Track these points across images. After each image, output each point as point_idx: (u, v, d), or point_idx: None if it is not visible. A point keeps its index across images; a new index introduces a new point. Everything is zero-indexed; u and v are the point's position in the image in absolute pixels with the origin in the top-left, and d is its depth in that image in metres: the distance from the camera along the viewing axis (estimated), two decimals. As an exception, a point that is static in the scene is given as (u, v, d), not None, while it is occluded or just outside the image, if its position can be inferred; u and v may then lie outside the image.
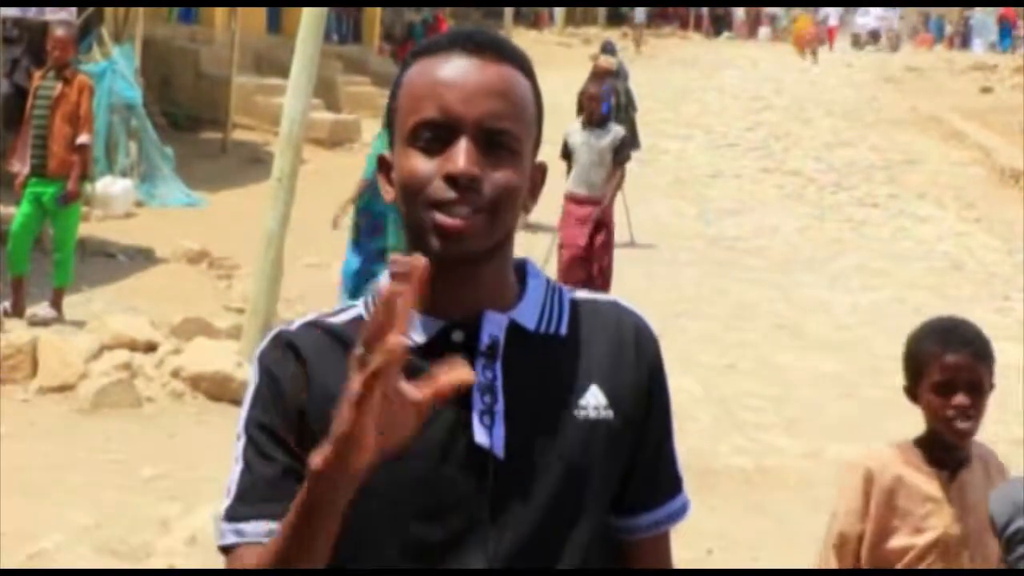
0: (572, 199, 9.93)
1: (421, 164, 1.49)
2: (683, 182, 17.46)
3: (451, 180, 1.47)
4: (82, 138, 8.53)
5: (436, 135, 1.49)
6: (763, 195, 17.02)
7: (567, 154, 10.00)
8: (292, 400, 1.53)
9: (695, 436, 7.12)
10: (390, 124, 1.57)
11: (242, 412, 1.58)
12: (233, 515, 1.53)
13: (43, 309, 8.48)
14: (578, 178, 9.89)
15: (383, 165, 1.59)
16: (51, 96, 8.57)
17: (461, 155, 1.47)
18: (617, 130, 10.10)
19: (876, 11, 43.95)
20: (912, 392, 2.99)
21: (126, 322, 7.95)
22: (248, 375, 1.61)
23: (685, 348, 8.91)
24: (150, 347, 7.73)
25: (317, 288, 10.02)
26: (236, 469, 1.55)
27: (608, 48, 21.95)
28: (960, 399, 2.87)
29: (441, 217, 1.47)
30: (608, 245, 9.97)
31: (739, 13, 45.99)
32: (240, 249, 10.52)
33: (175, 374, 7.47)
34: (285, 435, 1.53)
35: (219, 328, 8.21)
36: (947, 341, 2.93)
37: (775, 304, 11.20)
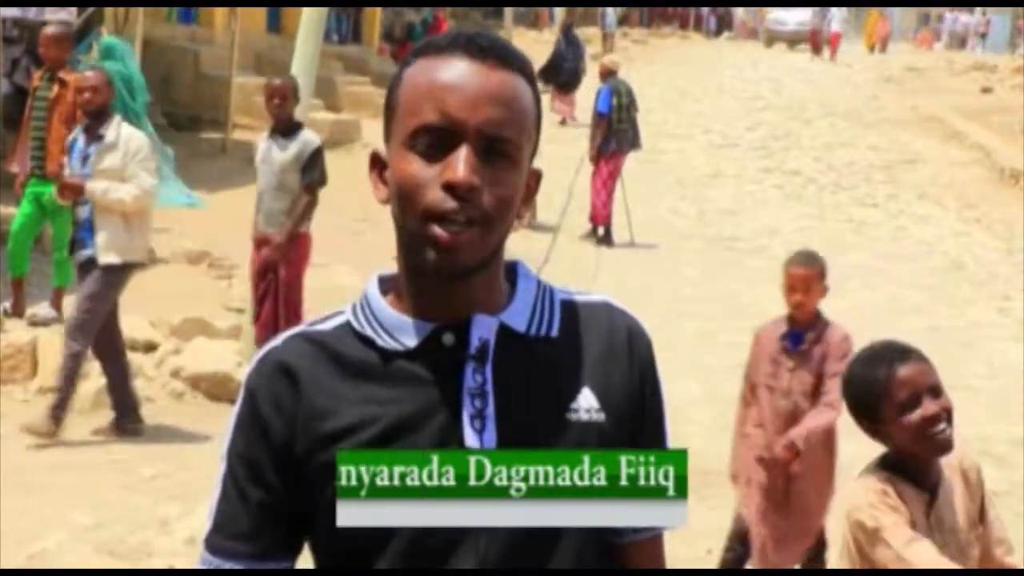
0: (255, 240, 7.38)
1: (419, 169, 1.47)
2: (683, 182, 17.46)
3: (450, 189, 1.45)
4: None
5: (436, 140, 1.47)
6: (763, 195, 17.01)
7: None
8: (276, 434, 1.53)
9: (695, 436, 7.12)
10: (387, 121, 1.55)
11: (227, 434, 1.58)
12: (209, 545, 1.58)
13: (43, 309, 8.48)
14: (257, 208, 7.32)
15: (375, 163, 1.58)
16: (48, 98, 8.60)
17: (461, 163, 1.45)
18: (308, 139, 7.30)
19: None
20: (875, 429, 2.90)
21: (126, 322, 7.94)
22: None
23: (685, 348, 8.91)
24: (150, 347, 7.74)
25: (317, 288, 10.01)
26: (216, 494, 1.57)
27: (565, 29, 22.09)
28: (929, 407, 2.80)
29: (437, 230, 1.45)
30: (277, 297, 7.29)
31: (739, 13, 45.98)
32: (240, 249, 10.50)
33: (175, 374, 7.47)
34: (265, 469, 1.54)
35: (219, 328, 8.22)
36: (891, 359, 2.88)
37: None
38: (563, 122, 20.31)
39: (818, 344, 4.95)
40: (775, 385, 5.00)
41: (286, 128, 7.22)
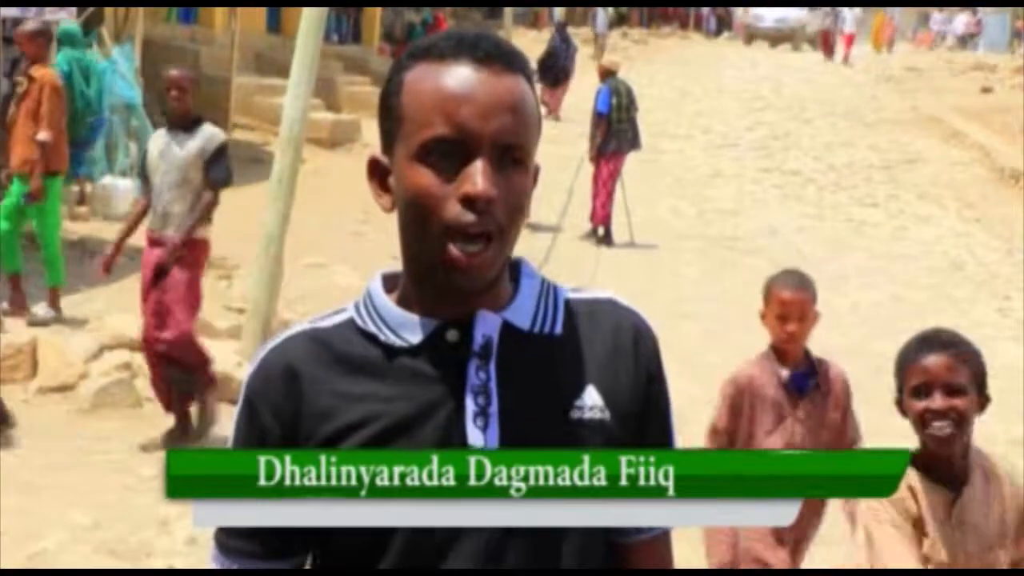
0: (149, 239, 6.72)
1: (433, 183, 1.46)
2: (683, 182, 17.46)
3: (468, 202, 1.44)
4: (40, 135, 8.49)
5: (449, 152, 1.46)
6: (763, 195, 17.02)
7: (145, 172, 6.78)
8: (275, 440, 1.52)
9: (695, 437, 7.11)
10: (387, 127, 1.53)
11: (230, 434, 1.58)
12: (218, 542, 1.59)
13: (42, 309, 8.48)
14: (153, 206, 6.71)
15: (375, 170, 1.56)
16: (20, 94, 8.64)
17: (479, 177, 1.44)
18: (212, 133, 6.72)
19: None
20: (900, 404, 2.96)
21: (126, 322, 7.95)
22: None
23: (685, 348, 8.90)
24: (150, 347, 7.73)
25: (317, 288, 10.02)
26: None
27: (559, 27, 22.20)
28: (936, 401, 2.84)
29: (456, 252, 1.45)
30: (178, 299, 6.58)
31: (739, 13, 45.91)
32: (240, 249, 10.51)
33: (175, 374, 7.47)
34: None
35: (219, 328, 8.22)
36: (925, 345, 2.92)
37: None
38: (548, 114, 20.56)
39: (826, 385, 4.14)
40: (780, 441, 4.12)
41: (186, 122, 6.65)
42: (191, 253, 6.63)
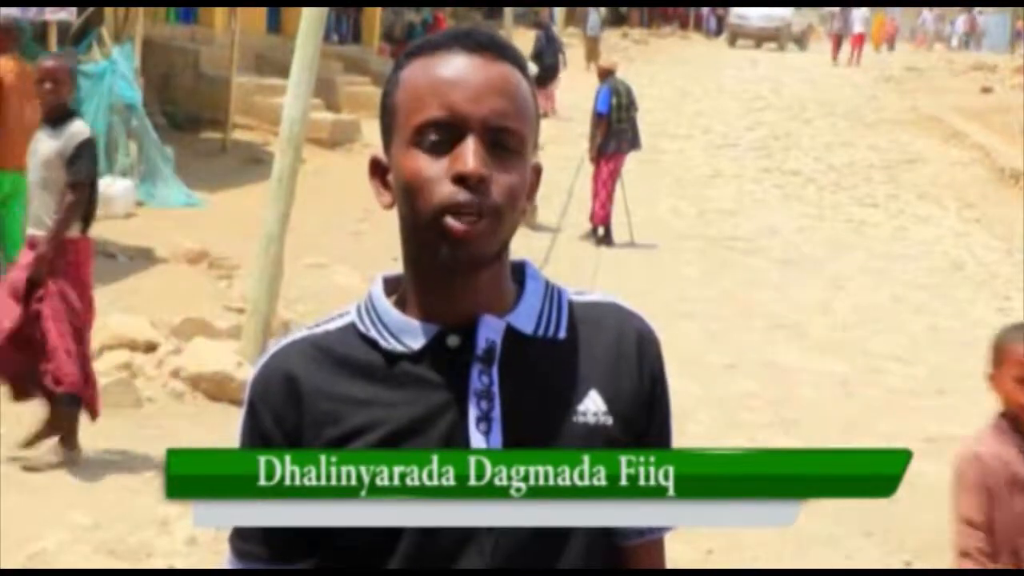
0: (27, 242, 6.33)
1: (427, 165, 1.46)
2: (683, 182, 17.46)
3: (460, 181, 1.44)
4: None
5: (442, 135, 1.46)
6: (763, 195, 17.02)
7: None
8: (279, 445, 1.52)
9: (695, 437, 7.12)
10: (386, 123, 1.54)
11: (237, 435, 1.59)
12: (233, 546, 1.59)
13: None
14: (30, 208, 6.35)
15: (376, 169, 1.56)
16: None
17: (470, 155, 1.44)
18: (75, 131, 6.13)
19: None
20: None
21: (126, 322, 7.95)
22: (247, 376, 1.61)
23: (685, 348, 8.90)
24: (150, 347, 7.74)
25: (317, 288, 10.02)
26: None
27: (544, 27, 22.23)
28: None
29: (450, 221, 1.44)
30: (55, 320, 6.08)
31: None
32: (240, 249, 10.52)
33: (175, 374, 7.47)
34: None
35: (219, 328, 8.22)
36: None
37: (775, 304, 11.20)
38: (544, 115, 20.56)
39: None
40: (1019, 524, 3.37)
41: (56, 117, 6.14)
42: (61, 259, 6.11)
